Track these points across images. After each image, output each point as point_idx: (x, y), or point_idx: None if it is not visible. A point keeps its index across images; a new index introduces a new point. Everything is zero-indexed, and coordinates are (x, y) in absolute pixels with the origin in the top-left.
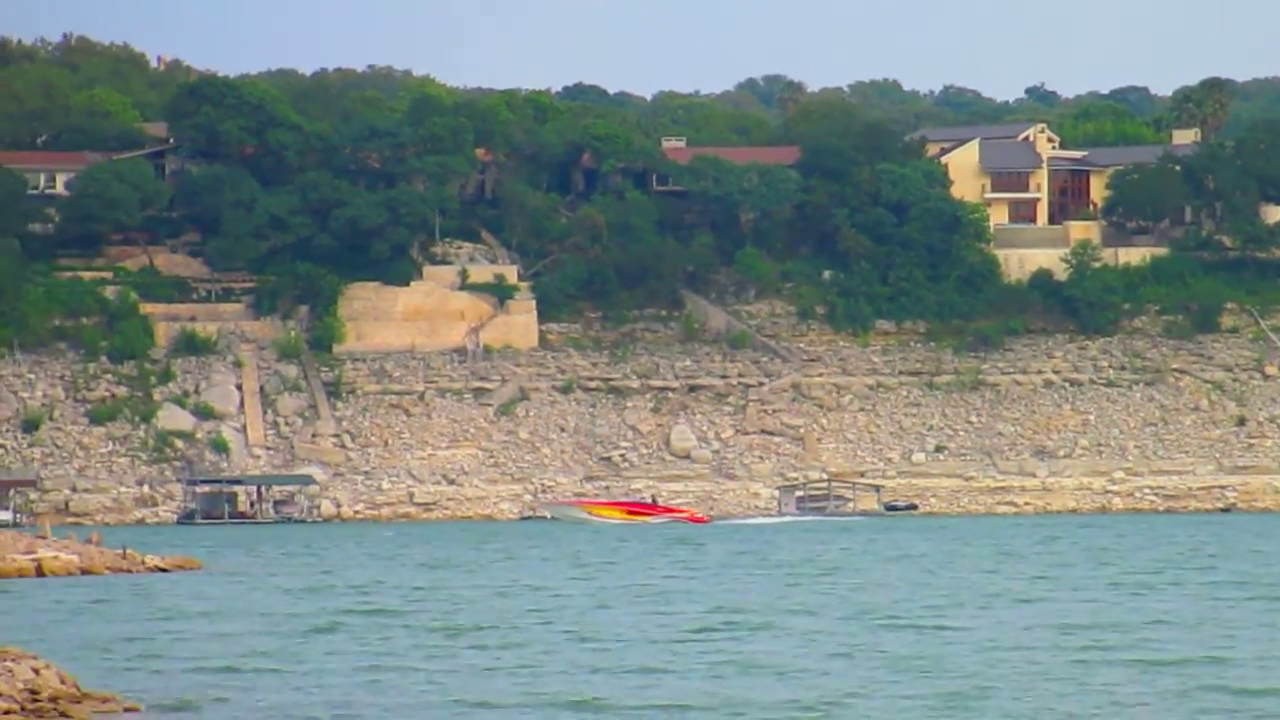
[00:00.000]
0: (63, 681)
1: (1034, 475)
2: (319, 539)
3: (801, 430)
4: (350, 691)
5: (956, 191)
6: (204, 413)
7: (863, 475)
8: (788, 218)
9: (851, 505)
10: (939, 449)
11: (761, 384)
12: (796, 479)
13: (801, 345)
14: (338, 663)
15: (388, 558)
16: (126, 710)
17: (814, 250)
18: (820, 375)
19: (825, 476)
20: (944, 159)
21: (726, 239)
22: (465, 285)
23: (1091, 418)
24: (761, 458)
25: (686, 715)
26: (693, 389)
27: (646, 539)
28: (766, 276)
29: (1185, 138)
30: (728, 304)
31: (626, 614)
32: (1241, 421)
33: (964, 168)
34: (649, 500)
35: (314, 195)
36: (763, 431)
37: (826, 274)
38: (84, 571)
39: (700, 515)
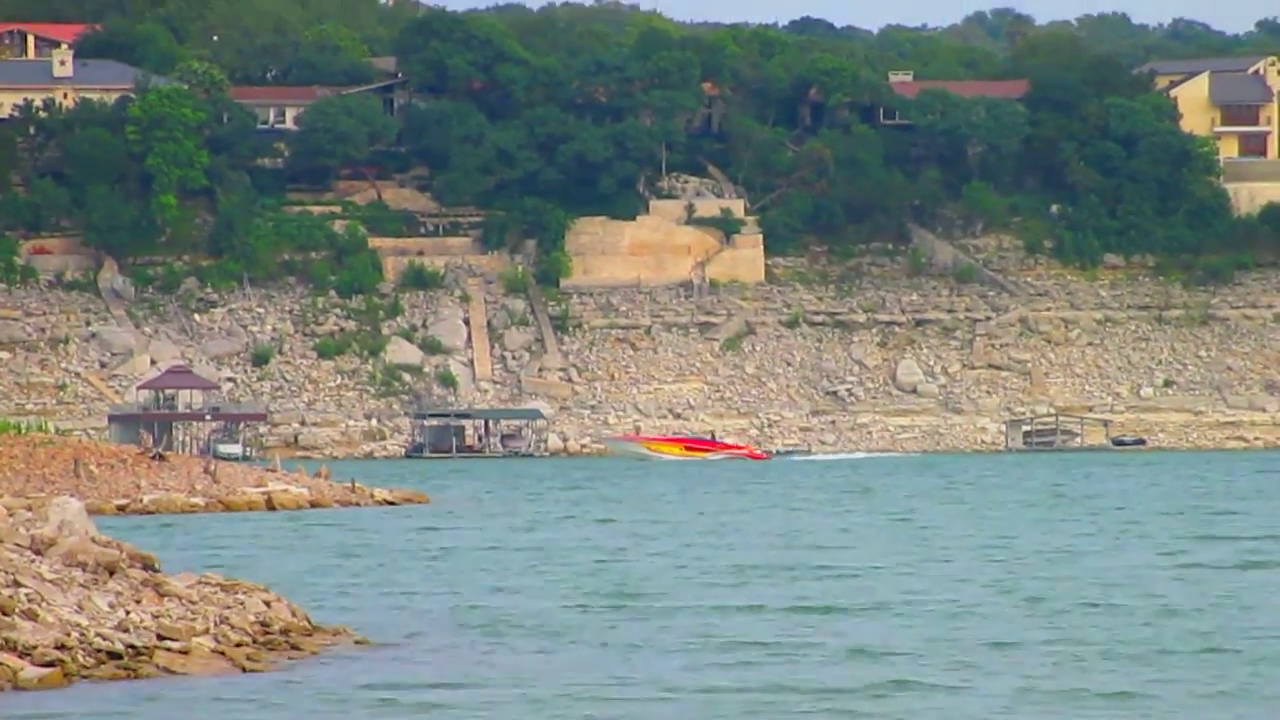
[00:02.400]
0: (293, 615)
1: (1264, 410)
2: (543, 472)
3: (1029, 365)
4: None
5: (1186, 125)
6: (431, 347)
7: (1090, 410)
8: (1015, 151)
9: (1079, 440)
10: (1167, 384)
11: (989, 318)
12: (1023, 414)
13: (1029, 279)
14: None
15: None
16: (357, 644)
17: (1041, 184)
18: (1048, 309)
19: (1052, 411)
20: (1173, 92)
21: (953, 173)
22: (691, 219)
23: None
24: (988, 392)
25: None
26: (919, 323)
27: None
28: (994, 210)
29: None
30: (954, 238)
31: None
32: None
33: (1193, 101)
34: (708, 437)
35: (541, 130)
36: (990, 366)
37: (1054, 208)
38: (313, 505)
39: (759, 452)
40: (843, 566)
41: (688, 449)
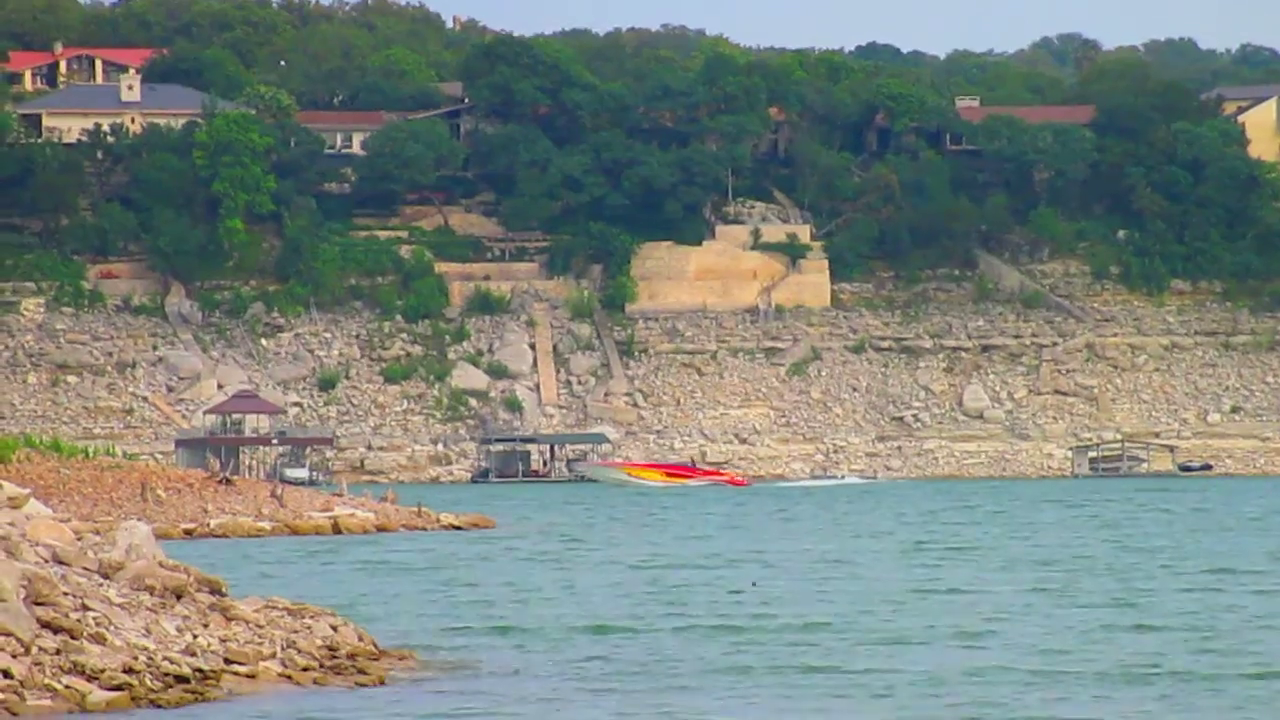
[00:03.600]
0: (360, 639)
1: None
2: (609, 497)
3: (1095, 390)
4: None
5: (1254, 150)
6: (497, 372)
7: (1157, 436)
8: (1082, 177)
9: (1145, 466)
10: (1235, 409)
11: (1055, 344)
12: (1090, 440)
13: (1096, 305)
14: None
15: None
16: (424, 667)
17: (1108, 209)
18: (1115, 335)
19: (1119, 437)
20: (1241, 118)
21: (1020, 198)
22: (758, 245)
23: None
24: (1055, 418)
25: None
26: (986, 349)
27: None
28: (1060, 236)
29: None
30: (1021, 263)
31: None
32: None
33: (1261, 126)
34: (689, 463)
35: (607, 155)
36: (1056, 392)
37: (1121, 233)
38: (379, 529)
39: (740, 478)
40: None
41: (669, 475)
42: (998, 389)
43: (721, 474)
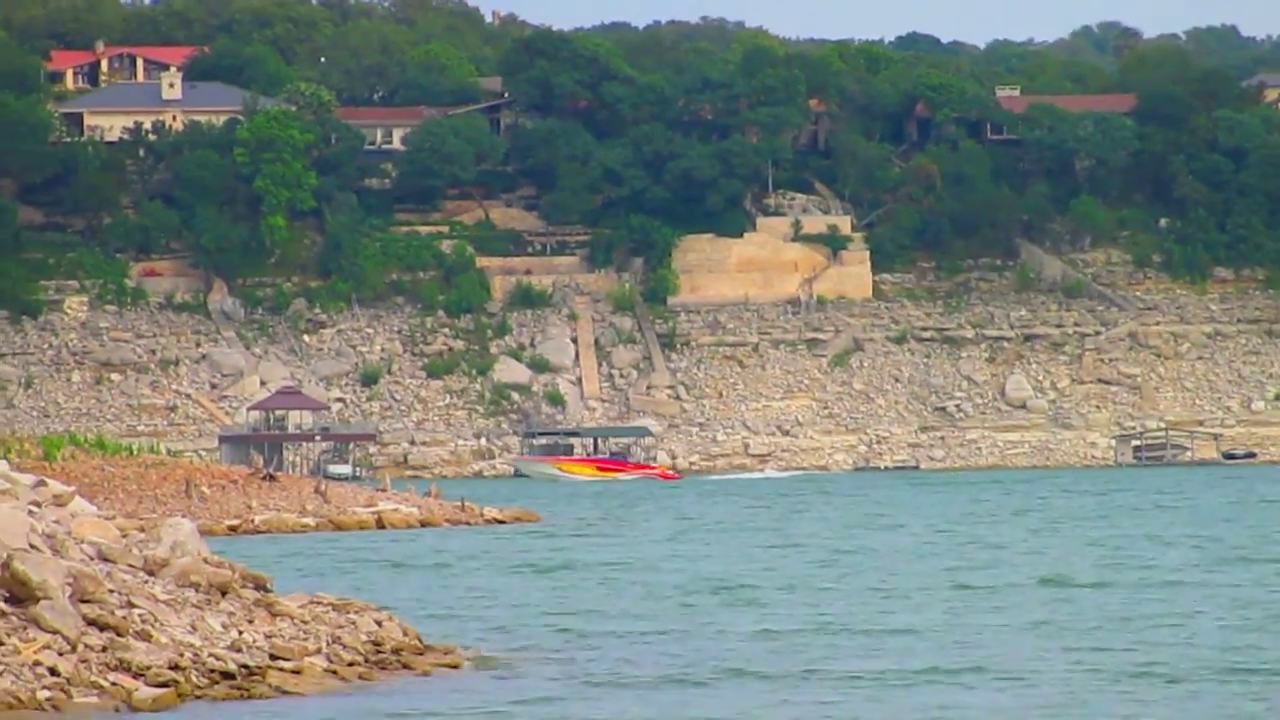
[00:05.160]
0: (405, 634)
1: None
2: (649, 490)
3: (1138, 379)
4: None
5: None
6: (540, 365)
7: (1201, 424)
8: (1123, 165)
9: (1189, 454)
10: (1279, 397)
11: (1098, 333)
12: (1133, 428)
13: (1138, 293)
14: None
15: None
16: (470, 662)
17: (1150, 198)
18: (1157, 324)
19: (1163, 426)
20: None
21: (1061, 187)
22: (799, 236)
23: None
24: (1098, 407)
25: None
26: (1028, 338)
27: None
28: (1102, 224)
29: None
30: (1063, 252)
31: None
32: None
33: None
34: (620, 456)
35: (648, 148)
36: (1099, 380)
37: (1163, 221)
38: (423, 524)
39: (671, 471)
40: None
41: (600, 469)
42: (1040, 378)
43: (652, 467)
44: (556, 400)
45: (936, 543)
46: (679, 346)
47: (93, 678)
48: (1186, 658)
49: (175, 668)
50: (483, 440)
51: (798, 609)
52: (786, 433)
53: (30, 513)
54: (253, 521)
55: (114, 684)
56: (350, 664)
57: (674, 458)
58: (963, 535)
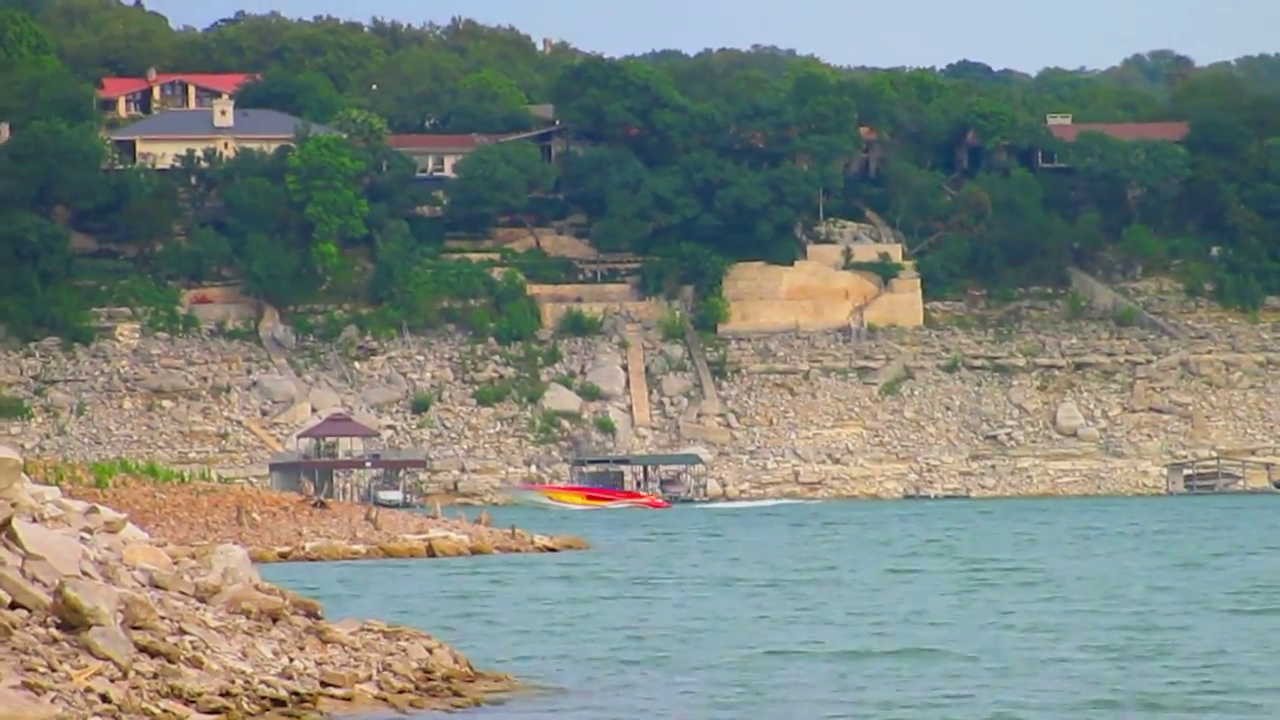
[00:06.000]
0: (455, 661)
1: None
2: (696, 519)
3: (1190, 408)
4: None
5: None
6: (590, 393)
7: (1253, 453)
8: (1175, 194)
9: (1241, 483)
10: None
11: (1149, 361)
12: (1185, 457)
13: (1190, 322)
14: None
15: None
16: (520, 690)
17: (1202, 226)
18: (1209, 352)
19: (1214, 455)
20: None
21: (1113, 216)
22: (849, 264)
23: None
24: (1149, 436)
25: None
26: (1079, 366)
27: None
28: (1154, 253)
29: None
30: (1114, 281)
31: None
32: None
33: None
34: (610, 486)
35: (698, 175)
36: (1150, 409)
37: (1215, 250)
38: (474, 551)
39: (660, 500)
40: None
41: (589, 498)
42: (1091, 407)
43: (641, 496)
44: (607, 428)
45: None
46: (729, 374)
47: (144, 704)
48: None
49: (226, 694)
50: (533, 468)
51: None
52: (837, 461)
53: (82, 539)
54: (303, 548)
55: (165, 711)
56: (400, 691)
57: (724, 485)
58: None
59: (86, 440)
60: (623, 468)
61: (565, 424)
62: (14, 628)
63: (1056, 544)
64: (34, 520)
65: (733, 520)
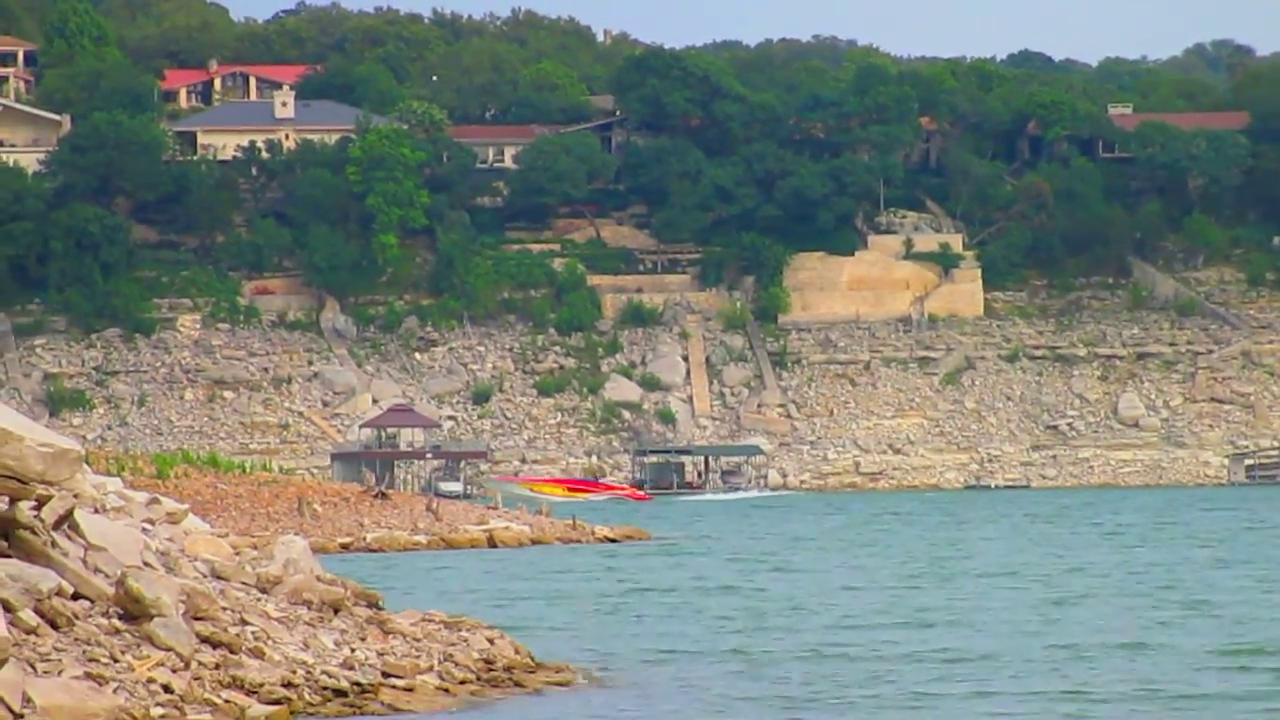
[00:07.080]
0: (516, 652)
1: None
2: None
3: (1252, 398)
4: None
5: None
6: (650, 384)
7: None
8: (1237, 184)
9: None
10: None
11: (1211, 351)
12: (1247, 447)
13: (1251, 312)
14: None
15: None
16: (583, 681)
17: (1263, 216)
18: (1271, 342)
19: (1276, 444)
20: None
21: (1174, 205)
22: (910, 254)
23: None
24: (1211, 426)
25: None
26: (1140, 356)
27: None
28: (1215, 243)
29: None
30: (1176, 271)
31: None
32: None
33: None
34: (591, 478)
35: (759, 166)
36: (1212, 399)
37: (1277, 239)
38: (534, 542)
39: (642, 493)
40: None
41: (570, 490)
42: (1153, 397)
43: (622, 488)
44: (667, 418)
45: None
46: (790, 365)
47: (206, 695)
48: None
49: (288, 685)
50: (594, 458)
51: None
52: (898, 451)
53: (144, 530)
54: (364, 539)
55: (227, 701)
56: (462, 681)
57: (784, 476)
58: None
59: (148, 431)
60: (684, 458)
61: (626, 414)
62: (76, 618)
63: None
64: (96, 511)
65: (735, 514)
